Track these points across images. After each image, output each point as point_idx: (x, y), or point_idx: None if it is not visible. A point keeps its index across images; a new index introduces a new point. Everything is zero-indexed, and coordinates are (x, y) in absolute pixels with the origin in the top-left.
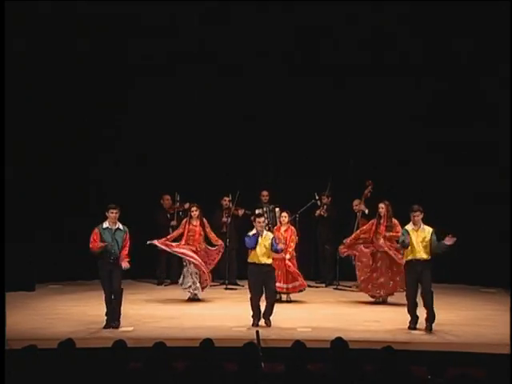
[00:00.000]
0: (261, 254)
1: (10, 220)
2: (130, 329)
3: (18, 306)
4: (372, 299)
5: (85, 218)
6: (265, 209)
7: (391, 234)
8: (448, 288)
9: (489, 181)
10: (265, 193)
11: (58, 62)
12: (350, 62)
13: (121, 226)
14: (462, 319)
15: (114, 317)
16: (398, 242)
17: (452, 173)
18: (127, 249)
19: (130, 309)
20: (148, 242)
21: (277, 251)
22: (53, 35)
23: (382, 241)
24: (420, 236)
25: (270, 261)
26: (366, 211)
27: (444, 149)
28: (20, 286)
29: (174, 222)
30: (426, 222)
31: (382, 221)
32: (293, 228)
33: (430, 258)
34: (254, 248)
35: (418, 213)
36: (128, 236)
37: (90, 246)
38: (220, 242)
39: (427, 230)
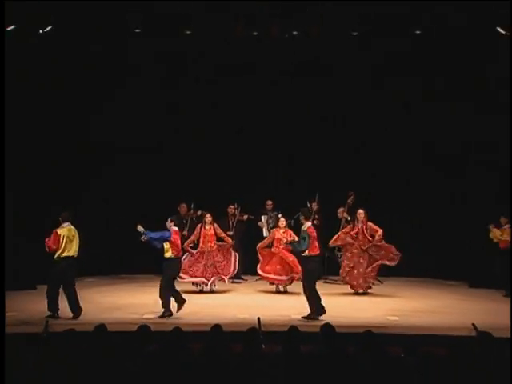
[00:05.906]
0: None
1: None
2: (152, 316)
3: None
4: (354, 290)
5: (98, 220)
6: (271, 215)
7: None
8: (416, 281)
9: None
10: (269, 202)
11: (57, 62)
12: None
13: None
14: (429, 307)
15: (57, 307)
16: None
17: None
18: None
19: (150, 299)
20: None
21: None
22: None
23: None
24: None
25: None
26: (349, 218)
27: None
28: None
29: (185, 232)
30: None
31: (362, 226)
32: (290, 230)
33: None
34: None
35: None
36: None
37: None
38: (230, 240)
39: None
